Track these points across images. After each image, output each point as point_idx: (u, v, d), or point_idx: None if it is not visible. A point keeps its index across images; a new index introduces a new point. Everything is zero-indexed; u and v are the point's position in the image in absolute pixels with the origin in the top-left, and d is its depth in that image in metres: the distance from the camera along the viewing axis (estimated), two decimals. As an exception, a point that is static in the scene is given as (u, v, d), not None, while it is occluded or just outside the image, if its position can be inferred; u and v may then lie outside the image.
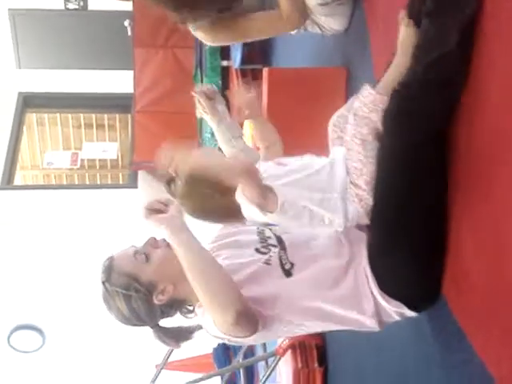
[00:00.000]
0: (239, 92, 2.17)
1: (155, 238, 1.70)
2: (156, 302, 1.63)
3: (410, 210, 1.60)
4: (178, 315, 1.72)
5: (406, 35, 1.73)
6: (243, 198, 1.71)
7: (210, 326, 1.56)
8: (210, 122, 2.20)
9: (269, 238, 1.80)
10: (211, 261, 1.56)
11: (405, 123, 1.56)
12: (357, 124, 1.74)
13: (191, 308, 1.69)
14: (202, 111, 2.17)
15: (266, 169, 1.83)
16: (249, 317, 1.53)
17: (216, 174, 1.64)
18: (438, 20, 1.55)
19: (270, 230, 1.85)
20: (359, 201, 1.70)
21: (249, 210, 1.74)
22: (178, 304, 1.68)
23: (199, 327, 1.68)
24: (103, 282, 1.66)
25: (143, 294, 1.62)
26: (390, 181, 1.61)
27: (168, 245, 1.65)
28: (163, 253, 1.66)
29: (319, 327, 1.74)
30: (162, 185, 1.88)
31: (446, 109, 1.56)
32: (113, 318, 1.69)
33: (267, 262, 1.70)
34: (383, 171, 1.63)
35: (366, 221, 1.72)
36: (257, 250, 1.75)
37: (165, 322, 1.71)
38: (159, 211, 1.54)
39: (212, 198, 1.77)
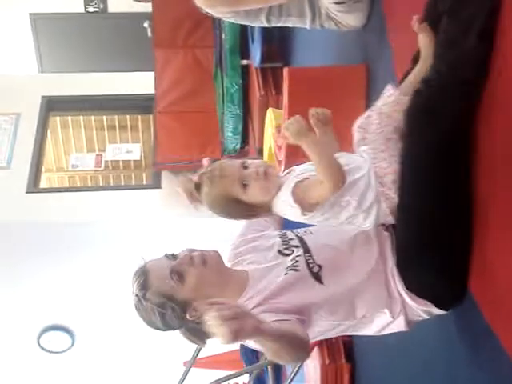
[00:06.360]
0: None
1: (191, 257, 1.71)
2: (189, 318, 1.62)
3: (435, 209, 1.59)
4: None
5: (424, 42, 1.75)
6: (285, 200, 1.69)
7: None
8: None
9: (291, 239, 1.80)
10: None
11: (426, 122, 1.56)
12: (380, 123, 1.74)
13: None
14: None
15: (305, 168, 1.77)
16: None
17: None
18: (458, 18, 1.54)
19: (292, 232, 1.85)
20: (385, 199, 1.69)
21: (286, 212, 1.72)
22: None
23: None
24: (138, 298, 1.68)
25: (178, 312, 1.65)
26: (414, 180, 1.61)
27: (203, 263, 1.67)
28: (198, 271, 1.68)
29: (349, 331, 1.75)
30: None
31: (467, 107, 1.55)
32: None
33: (295, 268, 1.69)
34: (407, 170, 1.62)
35: (390, 219, 1.71)
36: (279, 252, 1.76)
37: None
38: None
39: (237, 206, 1.74)
